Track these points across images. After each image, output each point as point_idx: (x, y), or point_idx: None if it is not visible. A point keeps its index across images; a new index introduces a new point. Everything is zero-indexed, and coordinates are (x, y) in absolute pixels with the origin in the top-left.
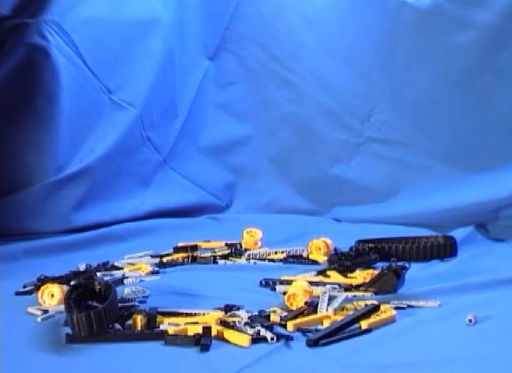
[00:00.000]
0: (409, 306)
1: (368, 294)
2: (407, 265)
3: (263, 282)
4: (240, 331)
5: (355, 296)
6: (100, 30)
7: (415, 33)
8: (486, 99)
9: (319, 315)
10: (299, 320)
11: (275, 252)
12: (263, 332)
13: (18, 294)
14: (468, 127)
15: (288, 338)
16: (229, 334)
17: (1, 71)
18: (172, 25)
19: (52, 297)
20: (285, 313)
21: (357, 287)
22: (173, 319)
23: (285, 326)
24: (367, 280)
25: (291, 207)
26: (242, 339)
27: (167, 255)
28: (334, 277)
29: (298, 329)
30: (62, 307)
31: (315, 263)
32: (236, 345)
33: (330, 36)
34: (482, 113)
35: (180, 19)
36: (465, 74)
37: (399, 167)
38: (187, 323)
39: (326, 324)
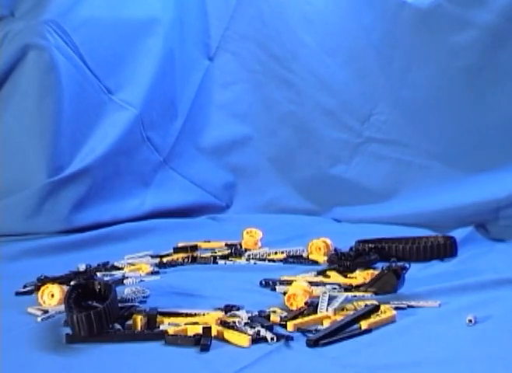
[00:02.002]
0: (409, 306)
1: (368, 295)
2: (407, 265)
3: (263, 282)
4: (240, 331)
5: (355, 296)
6: (100, 30)
7: (415, 33)
8: (486, 99)
9: (319, 315)
10: (299, 320)
11: (275, 253)
12: (263, 332)
13: (18, 294)
14: (468, 127)
15: (288, 338)
16: (229, 334)
17: (1, 71)
18: (172, 25)
19: (52, 297)
20: (285, 313)
21: (357, 288)
22: (173, 319)
23: (285, 326)
24: (367, 281)
25: (291, 207)
26: (242, 339)
27: (167, 255)
28: (335, 277)
29: (298, 329)
30: (62, 307)
31: (315, 263)
32: (236, 345)
33: (330, 36)
34: (482, 113)
35: (180, 18)
36: (465, 74)
37: (399, 167)
38: (187, 323)
39: (326, 324)
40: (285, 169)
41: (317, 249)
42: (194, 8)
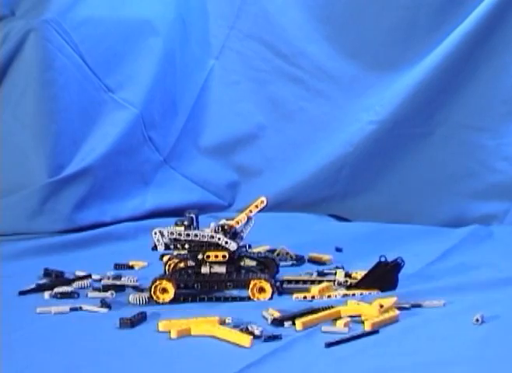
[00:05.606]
0: (414, 306)
1: (374, 293)
2: (400, 260)
3: None
4: (242, 330)
5: (361, 294)
6: (101, 29)
7: (428, 23)
8: None
9: (328, 312)
10: (308, 318)
11: (278, 254)
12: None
13: (21, 293)
14: None
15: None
16: (231, 334)
17: (1, 71)
18: (173, 24)
19: (165, 292)
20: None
21: (356, 286)
22: (175, 322)
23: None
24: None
25: (294, 206)
26: (244, 339)
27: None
28: (338, 275)
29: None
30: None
31: (318, 262)
32: (238, 345)
33: (337, 29)
34: None
35: (182, 18)
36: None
37: None
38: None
39: (340, 325)
40: (289, 168)
41: None
42: (198, 7)
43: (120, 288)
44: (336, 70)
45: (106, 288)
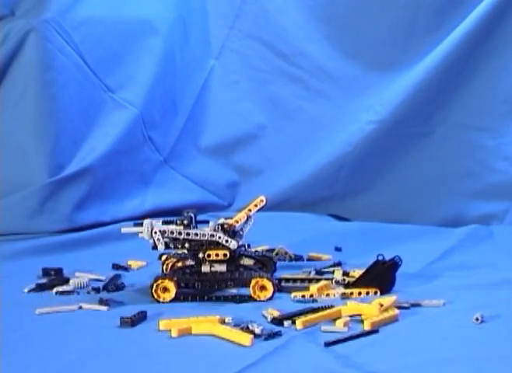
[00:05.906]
0: (413, 305)
1: (372, 293)
2: (397, 259)
3: None
4: (243, 329)
5: (360, 293)
6: (101, 29)
7: (428, 23)
8: None
9: (328, 311)
10: (308, 317)
11: (277, 253)
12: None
13: (30, 291)
14: None
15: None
16: (231, 333)
17: (1, 71)
18: (173, 24)
19: (166, 291)
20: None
21: (354, 284)
22: (176, 321)
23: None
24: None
25: (294, 205)
26: (244, 338)
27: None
28: (336, 273)
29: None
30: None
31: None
32: (239, 344)
33: (337, 29)
34: None
35: (182, 18)
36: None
37: None
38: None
39: (339, 324)
40: (290, 167)
41: None
42: (198, 7)
43: (119, 288)
44: (336, 70)
45: (105, 288)
